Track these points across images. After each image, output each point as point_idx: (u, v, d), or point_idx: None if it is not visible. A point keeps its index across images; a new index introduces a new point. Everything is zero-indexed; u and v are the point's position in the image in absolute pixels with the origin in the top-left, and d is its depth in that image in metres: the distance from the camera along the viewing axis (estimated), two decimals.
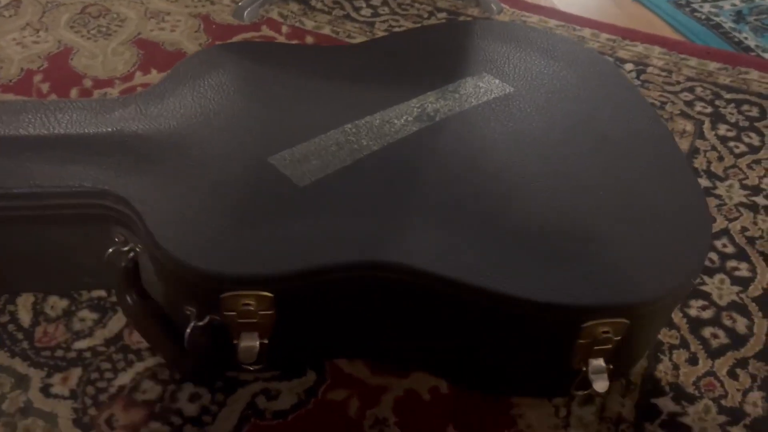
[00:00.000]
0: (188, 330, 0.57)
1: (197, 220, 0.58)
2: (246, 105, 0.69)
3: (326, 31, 1.09)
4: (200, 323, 0.58)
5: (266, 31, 1.08)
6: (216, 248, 0.56)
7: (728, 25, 1.22)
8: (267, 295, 0.55)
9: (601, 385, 0.58)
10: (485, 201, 0.62)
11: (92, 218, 0.61)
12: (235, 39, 1.05)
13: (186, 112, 0.68)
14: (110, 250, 0.62)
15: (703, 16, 1.24)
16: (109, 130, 0.65)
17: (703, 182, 0.89)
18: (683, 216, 0.63)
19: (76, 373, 0.63)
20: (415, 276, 0.56)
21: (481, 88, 0.74)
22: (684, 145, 0.95)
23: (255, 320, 0.57)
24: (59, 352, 0.64)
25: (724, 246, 0.81)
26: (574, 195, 0.64)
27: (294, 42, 1.06)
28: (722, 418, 0.64)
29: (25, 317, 0.67)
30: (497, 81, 0.76)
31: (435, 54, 0.80)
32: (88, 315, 0.67)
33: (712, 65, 1.10)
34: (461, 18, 1.16)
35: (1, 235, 0.62)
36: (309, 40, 1.07)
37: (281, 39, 1.06)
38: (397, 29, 1.11)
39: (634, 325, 0.57)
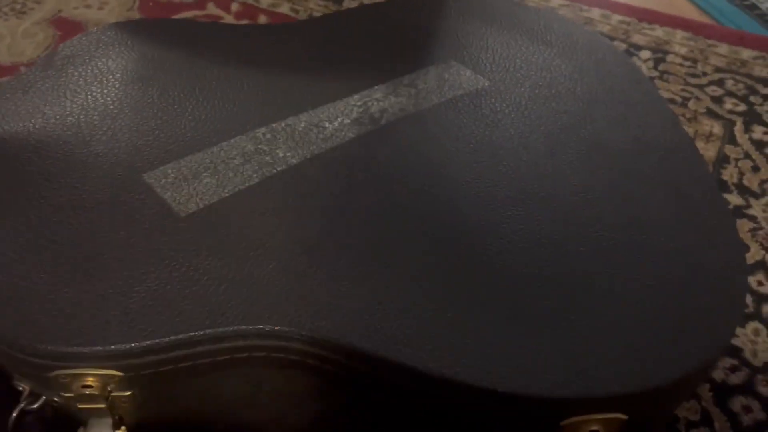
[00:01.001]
0: (13, 414, 0.42)
1: (24, 265, 0.41)
2: (130, 101, 0.53)
3: (284, 9, 0.93)
4: (33, 406, 0.42)
5: (213, 9, 0.91)
6: (49, 308, 0.40)
7: (766, 5, 1.03)
8: (114, 373, 0.39)
9: None
10: (437, 242, 0.45)
11: None
12: (175, 18, 0.89)
13: (49, 110, 0.52)
14: None
15: None
16: None
17: (734, 199, 0.72)
18: (709, 258, 0.46)
19: None
20: (328, 351, 0.40)
21: (446, 81, 0.57)
22: (710, 151, 0.77)
23: (102, 405, 0.41)
24: None
25: (760, 284, 0.64)
26: (558, 230, 0.47)
27: (243, 22, 0.89)
28: None
29: None
30: (468, 72, 0.58)
31: (393, 36, 0.63)
32: None
33: (746, 53, 0.91)
34: None
35: None
36: (262, 19, 0.90)
37: (229, 18, 0.90)
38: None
39: (635, 420, 0.41)
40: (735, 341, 0.59)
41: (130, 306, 0.40)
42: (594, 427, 0.40)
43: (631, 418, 0.40)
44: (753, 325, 0.61)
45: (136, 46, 0.59)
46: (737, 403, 0.55)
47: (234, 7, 0.92)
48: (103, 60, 0.57)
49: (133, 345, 0.39)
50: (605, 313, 0.42)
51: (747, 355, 0.58)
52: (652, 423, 0.46)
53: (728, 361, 0.58)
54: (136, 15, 0.89)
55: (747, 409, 0.55)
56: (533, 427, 0.40)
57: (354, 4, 0.95)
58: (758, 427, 0.53)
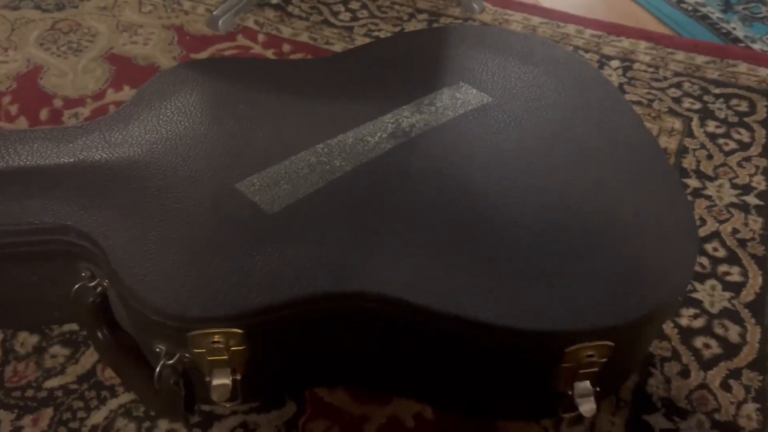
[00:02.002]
0: (157, 369, 0.55)
1: (161, 255, 0.55)
2: (213, 127, 0.67)
3: (304, 38, 1.07)
4: (170, 362, 0.56)
5: (242, 40, 1.05)
6: (181, 285, 0.54)
7: (716, 15, 1.19)
8: (237, 331, 0.53)
9: (587, 408, 0.56)
10: (461, 222, 0.60)
11: (55, 254, 0.59)
12: (210, 50, 1.02)
13: (151, 137, 0.66)
14: (76, 286, 0.60)
15: (690, 7, 1.21)
16: (71, 160, 0.63)
17: (693, 182, 0.87)
18: (668, 228, 0.61)
19: (48, 413, 0.61)
20: (389, 305, 0.54)
21: (458, 99, 0.72)
22: (672, 143, 0.92)
23: (226, 357, 0.55)
24: (30, 392, 0.62)
25: (715, 250, 0.79)
26: (552, 210, 0.61)
27: (270, 51, 1.03)
28: None
29: None
30: (474, 91, 0.73)
31: (409, 64, 0.78)
32: (59, 351, 0.65)
33: (700, 59, 1.07)
34: (442, 19, 1.13)
35: None
36: (286, 48, 1.04)
37: (257, 48, 1.04)
38: (376, 33, 1.09)
39: (621, 346, 0.55)
40: (696, 295, 0.74)
41: (245, 279, 0.54)
42: (589, 353, 0.54)
43: (617, 345, 0.55)
44: (710, 282, 0.76)
45: (206, 82, 0.72)
46: (699, 341, 0.70)
47: (260, 37, 1.06)
48: (183, 94, 0.71)
49: (249, 308, 0.53)
50: (591, 267, 0.56)
51: (706, 305, 0.74)
52: (632, 351, 0.61)
53: (691, 311, 0.73)
54: (176, 48, 1.02)
55: (707, 346, 0.70)
56: (544, 355, 0.55)
57: (362, 30, 1.09)
58: (715, 359, 0.69)
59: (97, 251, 0.57)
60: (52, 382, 0.63)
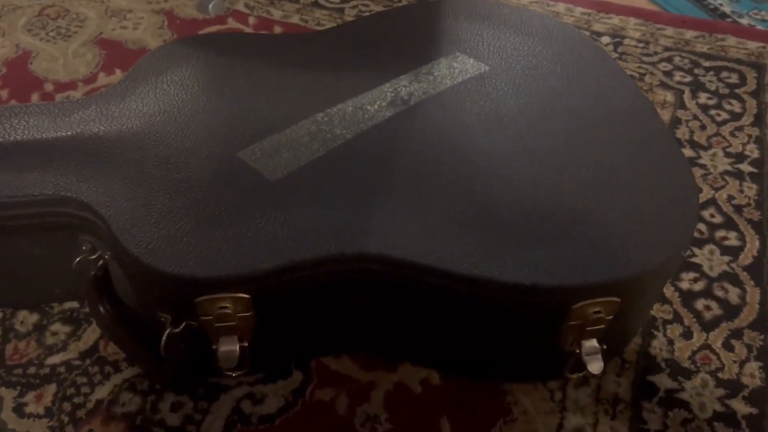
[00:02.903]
0: (164, 338, 0.55)
1: (165, 222, 0.55)
2: (211, 99, 0.66)
3: (295, 20, 1.06)
4: (176, 330, 0.55)
5: (232, 23, 1.04)
6: (187, 250, 0.53)
7: None
8: (244, 296, 0.53)
9: (595, 366, 0.56)
10: (463, 185, 0.60)
11: (56, 227, 0.58)
12: (201, 33, 1.02)
13: (148, 110, 0.65)
14: (77, 259, 0.59)
15: None
16: (69, 133, 0.62)
17: (687, 152, 0.88)
18: (669, 187, 0.61)
19: (51, 390, 0.60)
20: (395, 266, 0.54)
21: (455, 69, 0.72)
22: (665, 116, 0.93)
23: (233, 323, 0.54)
24: (32, 369, 0.61)
25: (712, 216, 0.80)
26: (553, 174, 0.62)
27: (262, 32, 1.03)
28: (720, 392, 0.63)
29: None
30: (472, 60, 0.73)
31: (405, 36, 0.78)
32: (60, 328, 0.65)
33: (689, 34, 1.08)
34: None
35: None
36: (277, 30, 1.04)
37: (248, 30, 1.03)
38: (367, 14, 1.08)
39: (626, 303, 0.56)
40: (695, 260, 0.75)
41: (250, 244, 0.53)
42: (596, 309, 0.55)
43: (623, 302, 0.55)
44: (708, 247, 0.76)
45: (203, 56, 0.72)
46: (700, 304, 0.71)
47: (251, 20, 1.05)
48: (179, 69, 0.70)
49: (256, 271, 0.52)
50: (595, 227, 0.57)
51: (705, 269, 0.74)
52: (637, 309, 0.61)
53: (691, 275, 0.73)
54: (167, 32, 1.01)
55: (707, 308, 0.70)
56: (551, 312, 0.55)
57: (353, 12, 1.09)
58: (716, 320, 0.69)
59: (99, 222, 0.56)
60: (54, 359, 0.62)
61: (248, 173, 0.59)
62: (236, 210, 0.56)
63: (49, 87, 0.91)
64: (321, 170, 0.60)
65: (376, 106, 0.66)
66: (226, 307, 0.53)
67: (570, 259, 0.54)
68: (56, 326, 0.65)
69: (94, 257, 0.59)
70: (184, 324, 0.55)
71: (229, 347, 0.55)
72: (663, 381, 0.64)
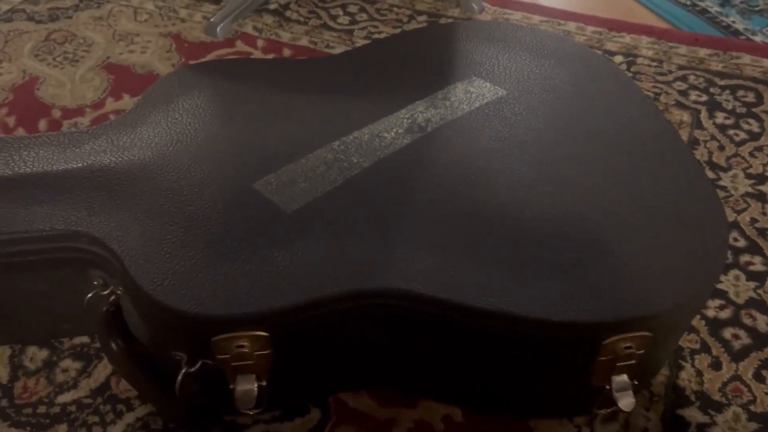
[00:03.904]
0: (179, 378, 0.53)
1: (179, 257, 0.53)
2: (224, 128, 0.65)
3: (304, 42, 1.05)
4: (191, 369, 0.53)
5: (241, 46, 1.03)
6: (202, 287, 0.51)
7: (714, 9, 1.19)
8: (262, 334, 0.51)
9: (626, 402, 0.54)
10: (485, 215, 0.58)
11: (66, 262, 0.57)
12: (210, 57, 1.01)
13: (160, 140, 0.63)
14: (89, 295, 0.57)
15: (689, 2, 1.21)
16: (79, 165, 0.61)
17: (707, 174, 0.86)
18: (695, 214, 0.59)
19: (62, 430, 0.58)
20: (416, 301, 0.52)
21: (472, 93, 0.70)
22: (682, 136, 0.91)
23: (251, 362, 0.52)
24: (42, 408, 0.59)
25: (736, 240, 0.78)
26: (576, 201, 0.60)
27: (271, 56, 1.02)
28: (753, 426, 0.61)
29: (2, 372, 0.62)
30: (488, 84, 0.72)
31: (419, 60, 0.76)
32: (71, 364, 0.63)
33: (703, 52, 1.07)
34: (442, 20, 1.12)
35: None
36: (286, 52, 1.03)
37: (257, 53, 1.02)
38: (377, 35, 1.08)
39: (657, 337, 0.54)
40: (721, 286, 0.73)
41: (268, 280, 0.52)
42: (627, 344, 0.53)
43: (654, 336, 0.53)
44: (733, 272, 0.74)
45: (213, 83, 0.71)
46: (728, 333, 0.69)
47: (260, 43, 1.04)
48: (190, 96, 0.69)
49: (274, 309, 0.50)
50: (621, 257, 0.55)
51: (731, 296, 0.72)
52: (667, 342, 0.59)
53: (717, 302, 0.71)
54: (175, 56, 1.00)
55: (736, 337, 0.68)
56: (581, 348, 0.53)
57: (362, 33, 1.08)
58: (746, 349, 0.67)
59: (110, 257, 0.54)
60: (65, 397, 0.60)
61: (264, 205, 0.57)
62: (253, 244, 0.54)
63: (56, 113, 0.89)
64: (338, 200, 0.58)
65: (393, 134, 0.65)
66: (243, 346, 0.51)
67: (598, 292, 0.52)
68: (66, 362, 0.63)
69: (105, 293, 0.57)
70: (199, 363, 0.53)
71: (247, 387, 0.53)
72: (693, 415, 0.62)
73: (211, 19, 1.06)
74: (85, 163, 0.61)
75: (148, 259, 0.53)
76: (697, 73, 1.03)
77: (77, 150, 0.62)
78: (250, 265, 0.53)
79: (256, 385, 0.53)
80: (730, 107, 0.96)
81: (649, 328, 0.52)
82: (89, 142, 0.63)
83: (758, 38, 1.12)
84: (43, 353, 0.63)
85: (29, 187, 0.58)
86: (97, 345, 0.64)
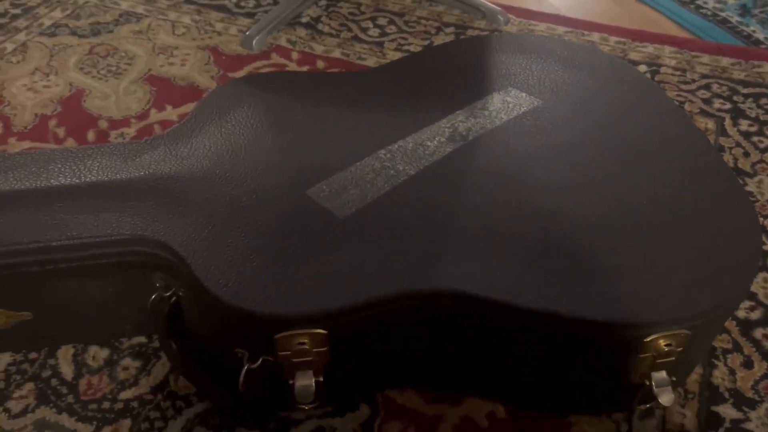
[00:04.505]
0: (242, 374, 0.56)
1: (241, 261, 0.56)
2: (275, 138, 0.68)
3: (336, 54, 1.09)
4: (253, 366, 0.56)
5: (276, 58, 1.07)
6: (265, 288, 0.54)
7: (735, 19, 1.22)
8: (321, 332, 0.54)
9: (666, 398, 0.56)
10: (528, 219, 0.61)
11: (132, 265, 0.60)
12: (247, 68, 1.04)
13: (216, 150, 0.67)
14: (153, 297, 0.60)
15: (709, 12, 1.24)
16: (141, 174, 0.64)
17: None
18: (730, 218, 0.62)
19: (126, 424, 0.61)
20: (468, 302, 0.55)
21: (509, 103, 0.73)
22: None
23: (310, 358, 0.55)
24: (106, 404, 0.63)
25: (763, 244, 0.80)
26: (615, 206, 0.63)
27: (305, 68, 1.05)
28: None
29: (67, 370, 0.65)
30: (524, 94, 0.75)
31: (456, 72, 0.79)
32: (131, 363, 0.66)
33: (725, 61, 1.09)
34: (469, 32, 1.15)
35: (40, 289, 0.61)
36: (320, 64, 1.06)
37: (292, 65, 1.06)
38: (406, 47, 1.11)
39: (695, 335, 0.56)
40: (751, 289, 0.75)
41: (326, 282, 0.55)
42: (667, 342, 0.55)
43: (693, 334, 0.56)
44: (762, 275, 0.77)
45: (262, 95, 0.74)
46: (758, 333, 0.71)
47: (294, 55, 1.08)
48: (241, 108, 0.72)
49: (333, 309, 0.53)
50: (662, 260, 0.57)
51: (761, 298, 0.75)
52: (704, 341, 0.61)
53: (747, 303, 0.74)
54: (213, 68, 1.04)
55: (766, 337, 0.71)
56: (624, 345, 0.55)
57: (393, 45, 1.11)
58: None
59: (176, 260, 0.58)
60: (127, 394, 0.63)
61: (318, 211, 0.61)
62: (310, 247, 0.57)
63: (103, 124, 0.93)
64: (388, 206, 0.61)
65: (435, 142, 0.68)
66: (303, 343, 0.54)
67: (641, 292, 0.55)
68: (126, 361, 0.66)
69: (167, 294, 0.60)
70: (261, 360, 0.56)
71: (306, 382, 0.56)
72: (728, 411, 0.64)
73: (247, 33, 1.09)
74: (147, 172, 0.64)
75: (212, 262, 0.56)
76: (720, 81, 1.05)
77: (137, 159, 0.66)
78: (309, 267, 0.56)
79: (313, 381, 0.56)
80: (753, 115, 0.99)
81: (688, 327, 0.55)
82: (149, 152, 0.66)
83: None
84: (104, 352, 0.67)
85: (96, 195, 0.62)
86: (154, 345, 0.67)
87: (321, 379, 0.57)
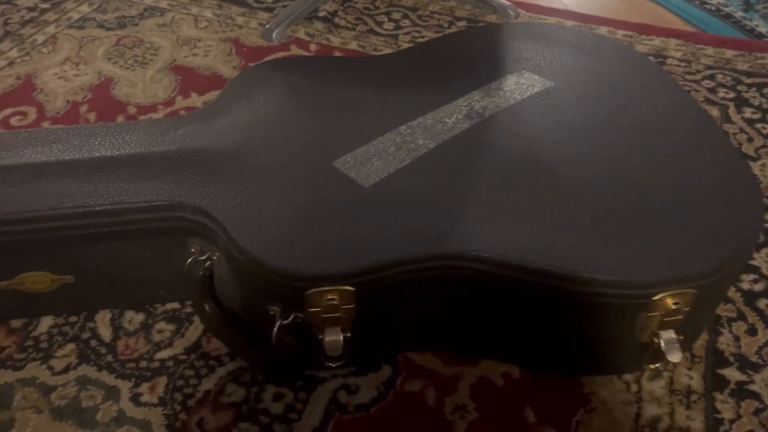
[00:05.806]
0: (275, 329, 0.60)
1: (274, 223, 0.60)
2: (300, 115, 0.72)
3: (353, 46, 1.13)
4: (285, 322, 0.60)
5: (295, 50, 1.11)
6: (297, 248, 0.58)
7: (738, 14, 1.26)
8: (349, 289, 0.58)
9: (675, 355, 0.60)
10: (543, 187, 0.65)
11: (170, 231, 0.64)
12: (267, 59, 1.08)
13: (245, 126, 0.71)
14: (189, 260, 0.64)
15: (713, 7, 1.28)
16: (176, 147, 0.68)
17: None
18: (734, 186, 0.66)
19: (162, 381, 0.65)
20: (487, 264, 0.59)
21: (523, 84, 0.77)
22: None
23: (338, 314, 0.59)
24: (143, 363, 0.66)
25: (766, 223, 0.83)
26: (625, 176, 0.66)
27: None
28: None
29: (105, 333, 0.69)
30: (537, 76, 0.79)
31: (471, 57, 0.83)
32: (165, 326, 0.70)
33: (729, 53, 1.13)
34: (480, 25, 1.19)
35: (82, 253, 0.64)
36: (337, 55, 1.10)
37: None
38: (420, 39, 1.15)
39: (701, 296, 0.60)
40: (754, 262, 0.78)
41: (355, 243, 0.58)
42: (675, 300, 0.59)
43: (699, 293, 0.59)
44: (765, 250, 0.80)
45: (287, 77, 0.78)
46: (762, 303, 0.74)
47: (312, 47, 1.12)
48: (268, 89, 0.76)
49: (362, 267, 0.57)
50: (669, 224, 0.61)
51: (764, 271, 0.78)
52: (709, 304, 0.65)
53: (751, 276, 0.77)
54: (235, 59, 1.08)
55: None
56: (635, 304, 0.59)
57: (407, 38, 1.15)
58: None
59: (212, 224, 0.61)
60: (162, 354, 0.67)
61: (344, 180, 0.64)
62: (338, 212, 0.61)
63: (131, 110, 0.97)
64: (410, 176, 0.65)
65: (453, 119, 0.72)
66: (333, 299, 0.58)
67: (649, 253, 0.59)
68: (161, 325, 0.70)
69: (202, 258, 0.64)
70: (292, 316, 0.60)
71: (334, 337, 0.60)
72: (732, 374, 0.67)
73: (267, 26, 1.14)
74: (182, 145, 0.68)
75: (247, 225, 0.60)
76: (725, 72, 1.09)
77: (172, 134, 0.70)
78: (337, 230, 0.60)
79: (341, 336, 0.60)
80: (756, 103, 1.02)
81: (694, 286, 0.58)
82: (183, 127, 0.70)
83: None
84: (140, 317, 0.70)
85: (135, 166, 0.66)
86: (187, 311, 0.71)
87: (348, 335, 0.60)
